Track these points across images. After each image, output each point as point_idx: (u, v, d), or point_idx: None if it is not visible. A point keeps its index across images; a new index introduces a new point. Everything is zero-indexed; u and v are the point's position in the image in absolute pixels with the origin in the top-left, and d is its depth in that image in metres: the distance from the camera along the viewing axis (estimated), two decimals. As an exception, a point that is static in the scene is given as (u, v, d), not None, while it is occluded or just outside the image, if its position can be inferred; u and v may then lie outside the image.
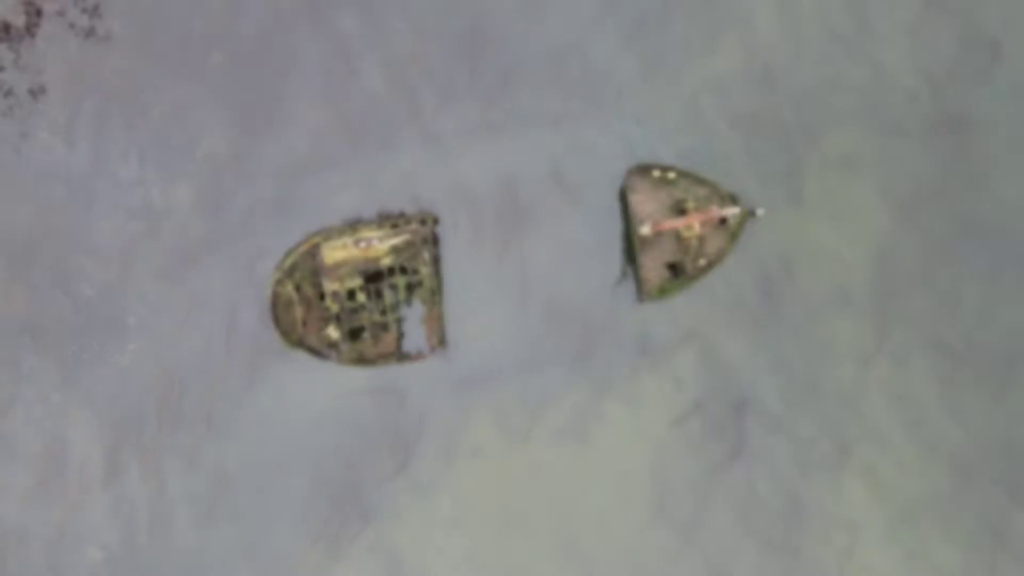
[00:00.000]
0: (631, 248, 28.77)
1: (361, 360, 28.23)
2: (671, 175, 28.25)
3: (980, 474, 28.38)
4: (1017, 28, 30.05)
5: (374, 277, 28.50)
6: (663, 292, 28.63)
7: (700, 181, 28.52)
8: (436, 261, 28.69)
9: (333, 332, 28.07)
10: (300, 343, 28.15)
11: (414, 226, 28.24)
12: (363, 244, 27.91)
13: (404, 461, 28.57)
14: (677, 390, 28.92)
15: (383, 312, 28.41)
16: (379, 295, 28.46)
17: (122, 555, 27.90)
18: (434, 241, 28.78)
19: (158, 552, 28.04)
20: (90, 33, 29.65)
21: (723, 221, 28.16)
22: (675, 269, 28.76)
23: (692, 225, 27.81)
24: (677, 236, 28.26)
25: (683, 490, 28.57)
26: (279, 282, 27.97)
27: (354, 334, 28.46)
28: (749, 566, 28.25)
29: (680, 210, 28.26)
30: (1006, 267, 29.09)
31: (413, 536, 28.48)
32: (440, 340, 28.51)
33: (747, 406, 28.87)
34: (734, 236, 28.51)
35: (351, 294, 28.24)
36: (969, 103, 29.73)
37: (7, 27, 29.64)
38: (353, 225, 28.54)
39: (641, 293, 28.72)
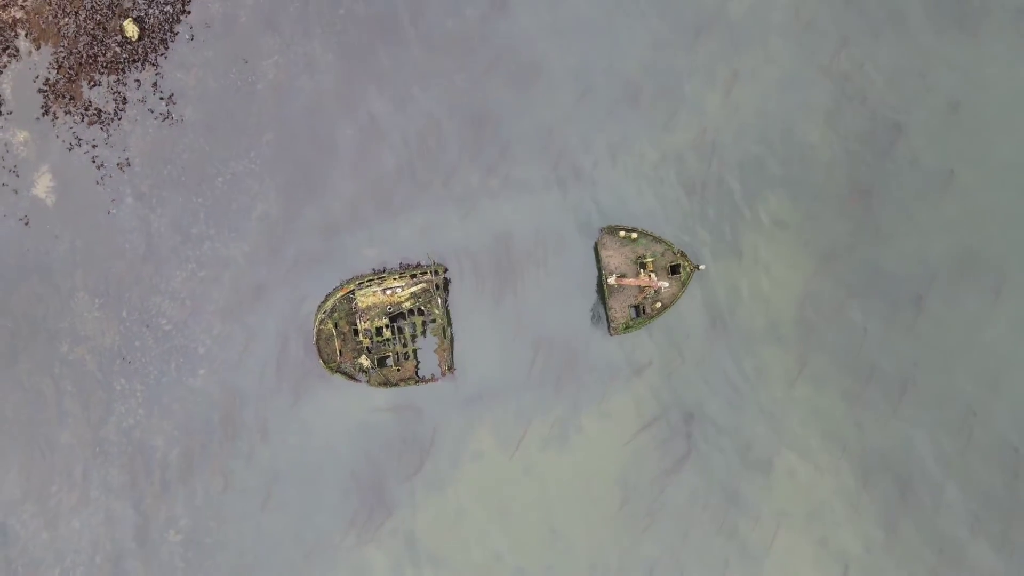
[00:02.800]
0: (603, 293, 35.68)
1: (386, 383, 35.03)
2: (634, 235, 35.12)
3: (878, 474, 35.21)
4: (914, 112, 36.84)
5: (397, 317, 35.41)
6: (628, 328, 35.46)
7: (657, 240, 35.43)
8: (446, 303, 35.55)
9: (364, 361, 34.91)
10: (338, 369, 34.95)
11: (429, 276, 35.02)
12: (389, 292, 34.77)
13: (420, 464, 35.24)
14: (639, 406, 35.66)
15: (404, 344, 35.28)
16: (401, 331, 35.35)
17: (197, 537, 34.55)
18: (445, 286, 35.64)
19: (224, 535, 34.68)
20: (166, 117, 36.37)
21: (674, 272, 35.11)
22: (638, 310, 35.68)
23: (650, 276, 34.72)
24: (638, 285, 35.12)
25: (643, 486, 35.31)
26: (322, 321, 34.78)
27: (381, 362, 35.35)
28: (694, 546, 35.03)
29: (641, 264, 35.18)
30: (901, 308, 35.90)
31: (427, 524, 35.03)
32: (450, 366, 35.33)
33: (694, 419, 35.68)
34: (684, 284, 35.42)
35: (379, 331, 35.11)
36: (875, 175, 36.57)
37: (99, 112, 36.31)
38: (379, 273, 35.37)
39: (610, 329, 35.57)
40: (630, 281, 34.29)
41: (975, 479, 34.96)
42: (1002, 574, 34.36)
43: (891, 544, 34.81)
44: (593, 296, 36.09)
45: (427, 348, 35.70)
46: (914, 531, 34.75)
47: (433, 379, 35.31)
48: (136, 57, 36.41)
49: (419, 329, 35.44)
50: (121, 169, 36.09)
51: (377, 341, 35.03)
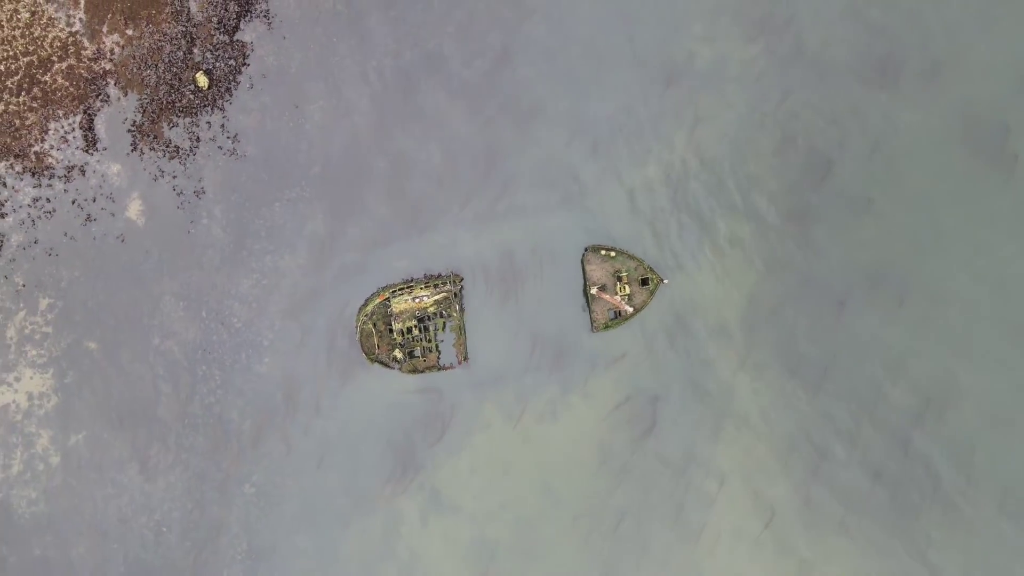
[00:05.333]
0: (587, 299, 44.45)
1: (415, 370, 44.04)
2: (612, 253, 43.77)
3: (801, 441, 44.45)
4: (844, 151, 45.01)
5: (423, 319, 44.24)
6: (607, 327, 44.33)
7: (632, 257, 44.08)
8: (462, 306, 44.33)
9: (398, 353, 43.86)
10: (376, 360, 43.90)
11: (449, 286, 43.74)
12: (417, 299, 43.58)
13: (441, 433, 44.37)
14: (615, 389, 44.68)
15: (429, 340, 44.21)
16: (426, 329, 44.23)
17: (266, 490, 43.87)
18: (461, 292, 44.35)
19: (288, 489, 43.99)
20: (232, 153, 44.48)
21: (644, 284, 43.93)
22: (615, 313, 44.52)
23: (624, 292, 43.56)
24: (612, 303, 43.83)
25: (617, 452, 44.57)
26: (363, 322, 43.63)
27: (410, 354, 44.31)
28: (657, 497, 44.51)
29: (618, 277, 43.90)
30: (826, 311, 44.68)
31: (447, 480, 44.29)
32: (465, 357, 44.29)
33: (659, 399, 44.78)
34: (652, 293, 44.22)
35: (409, 330, 44.00)
36: (809, 203, 44.91)
37: (177, 149, 44.38)
38: (409, 283, 44.02)
39: (593, 327, 44.47)
40: (606, 297, 43.23)
41: (877, 445, 44.32)
42: (894, 521, 44.02)
43: (809, 495, 44.35)
44: (579, 301, 44.77)
45: (447, 342, 44.55)
46: (828, 485, 44.24)
47: (451, 367, 44.22)
48: (206, 103, 44.30)
49: (441, 328, 44.30)
50: (197, 196, 44.27)
51: (408, 338, 43.93)
